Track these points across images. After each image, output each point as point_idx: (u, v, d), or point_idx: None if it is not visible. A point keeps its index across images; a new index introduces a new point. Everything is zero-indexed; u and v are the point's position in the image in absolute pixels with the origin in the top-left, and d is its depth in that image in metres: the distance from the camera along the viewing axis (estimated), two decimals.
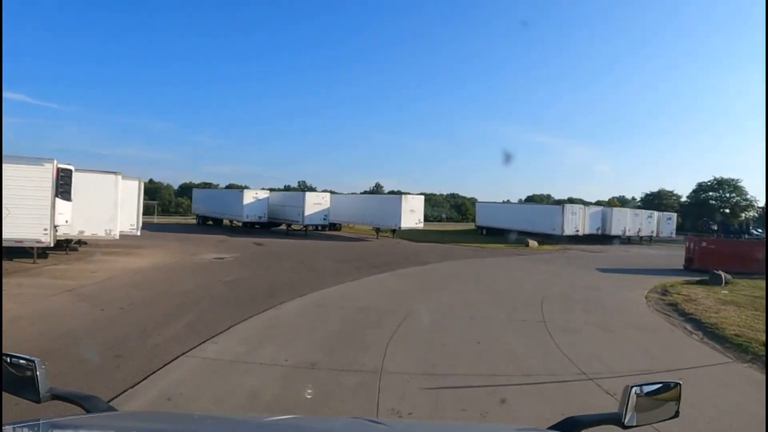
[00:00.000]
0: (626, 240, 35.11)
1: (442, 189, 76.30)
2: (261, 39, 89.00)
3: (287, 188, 55.58)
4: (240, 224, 32.86)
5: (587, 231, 32.83)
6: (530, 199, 64.34)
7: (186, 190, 57.80)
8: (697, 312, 9.84)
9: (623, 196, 68.95)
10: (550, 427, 1.46)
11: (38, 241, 13.59)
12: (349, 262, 17.10)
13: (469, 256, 21.82)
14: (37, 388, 1.41)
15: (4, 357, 1.44)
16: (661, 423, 1.48)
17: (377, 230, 31.02)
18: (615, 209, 37.38)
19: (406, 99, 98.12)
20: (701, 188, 56.78)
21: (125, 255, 16.37)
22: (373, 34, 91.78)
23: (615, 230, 34.33)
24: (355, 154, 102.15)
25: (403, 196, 30.09)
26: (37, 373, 1.41)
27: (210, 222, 36.51)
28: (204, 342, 6.55)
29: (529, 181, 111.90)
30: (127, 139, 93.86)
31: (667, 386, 1.45)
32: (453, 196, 74.85)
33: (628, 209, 39.45)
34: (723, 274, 14.40)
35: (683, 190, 70.64)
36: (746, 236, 26.45)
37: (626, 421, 1.37)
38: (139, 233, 18.47)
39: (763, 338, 7.34)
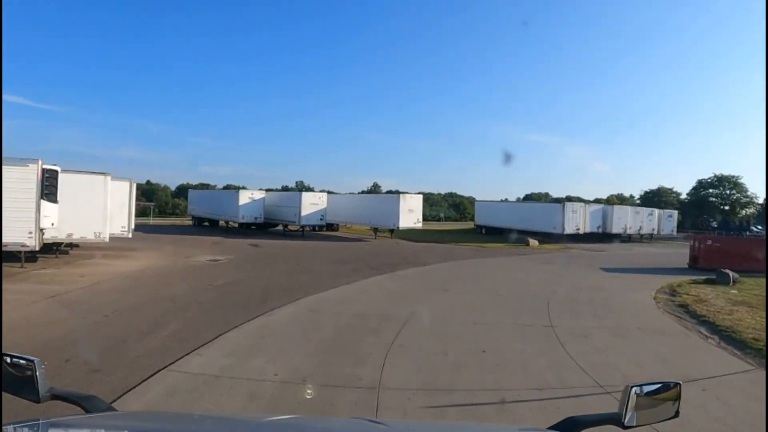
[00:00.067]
0: (627, 238, 34.70)
1: (440, 188, 75.82)
2: (261, 39, 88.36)
3: (285, 188, 55.00)
4: (236, 225, 32.44)
5: (588, 229, 32.36)
6: (528, 198, 63.67)
7: (183, 191, 57.08)
8: (709, 314, 9.44)
9: (622, 194, 68.72)
10: (550, 427, 1.44)
11: (23, 245, 13.10)
12: (346, 264, 16.65)
13: (470, 256, 21.39)
14: (36, 388, 1.41)
15: (4, 357, 1.44)
16: (661, 423, 1.47)
17: (375, 230, 30.54)
18: (616, 207, 36.77)
19: (405, 99, 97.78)
20: (701, 185, 56.40)
21: (117, 258, 15.96)
22: (372, 34, 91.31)
23: (616, 228, 33.88)
24: (354, 154, 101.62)
25: (401, 195, 29.64)
26: (37, 373, 1.42)
27: (206, 223, 36.02)
28: (188, 354, 6.08)
29: (526, 179, 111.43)
30: (126, 140, 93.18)
31: (666, 386, 1.44)
32: (451, 195, 74.32)
33: (629, 207, 39.04)
34: (731, 273, 14.01)
35: (683, 187, 70.17)
36: (747, 233, 26.06)
37: (626, 421, 1.35)
38: (130, 235, 18.08)
39: None
